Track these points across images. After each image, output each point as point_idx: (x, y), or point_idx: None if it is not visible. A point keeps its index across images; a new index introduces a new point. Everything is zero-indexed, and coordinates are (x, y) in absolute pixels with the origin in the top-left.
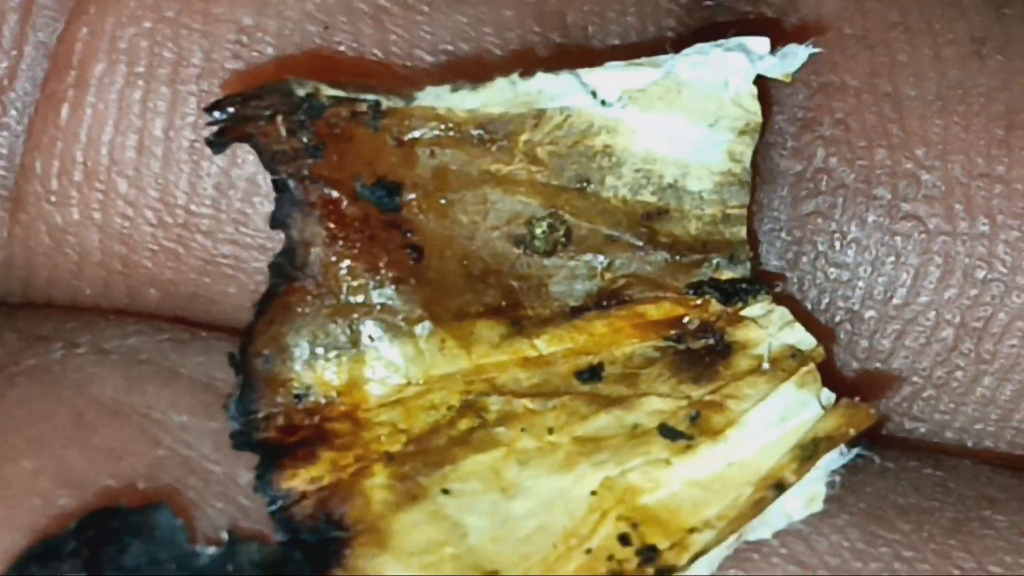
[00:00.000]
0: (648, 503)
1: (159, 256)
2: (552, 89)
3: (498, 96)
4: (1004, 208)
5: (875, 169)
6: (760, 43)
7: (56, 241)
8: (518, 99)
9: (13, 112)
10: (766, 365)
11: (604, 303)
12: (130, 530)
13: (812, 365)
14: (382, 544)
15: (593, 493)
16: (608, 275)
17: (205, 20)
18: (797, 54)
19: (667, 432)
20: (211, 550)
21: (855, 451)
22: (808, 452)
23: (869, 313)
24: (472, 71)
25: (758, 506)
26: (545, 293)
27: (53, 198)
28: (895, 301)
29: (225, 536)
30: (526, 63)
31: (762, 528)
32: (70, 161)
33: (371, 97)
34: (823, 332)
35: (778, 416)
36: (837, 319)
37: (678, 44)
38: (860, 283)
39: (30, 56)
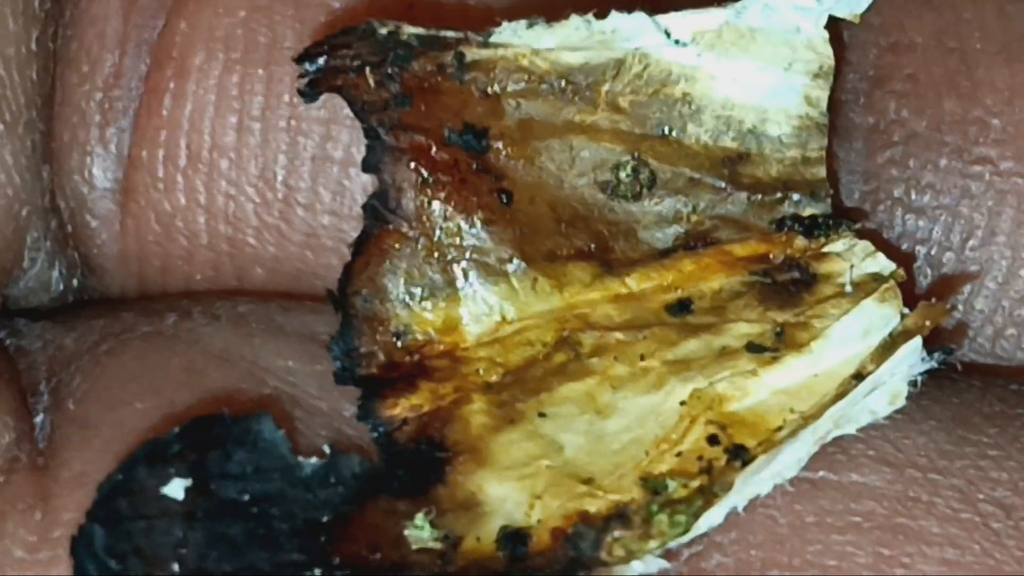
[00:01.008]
0: (736, 409)
1: (263, 233)
2: (626, 29)
3: (573, 35)
4: None
5: (945, 117)
6: None
7: (165, 227)
8: (593, 38)
9: (119, 107)
10: (849, 288)
11: (691, 244)
12: (233, 437)
13: (892, 282)
14: (481, 461)
15: (683, 403)
16: (694, 217)
17: (296, 5)
18: None
19: (754, 348)
20: (313, 460)
21: (937, 355)
22: (887, 345)
23: (947, 256)
24: (548, 10)
25: (840, 396)
26: (634, 237)
27: (161, 185)
28: (972, 243)
29: (327, 449)
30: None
31: (847, 424)
32: (174, 147)
33: (451, 34)
34: (904, 259)
35: (861, 330)
36: (916, 264)
37: None
38: (937, 227)
39: (133, 54)
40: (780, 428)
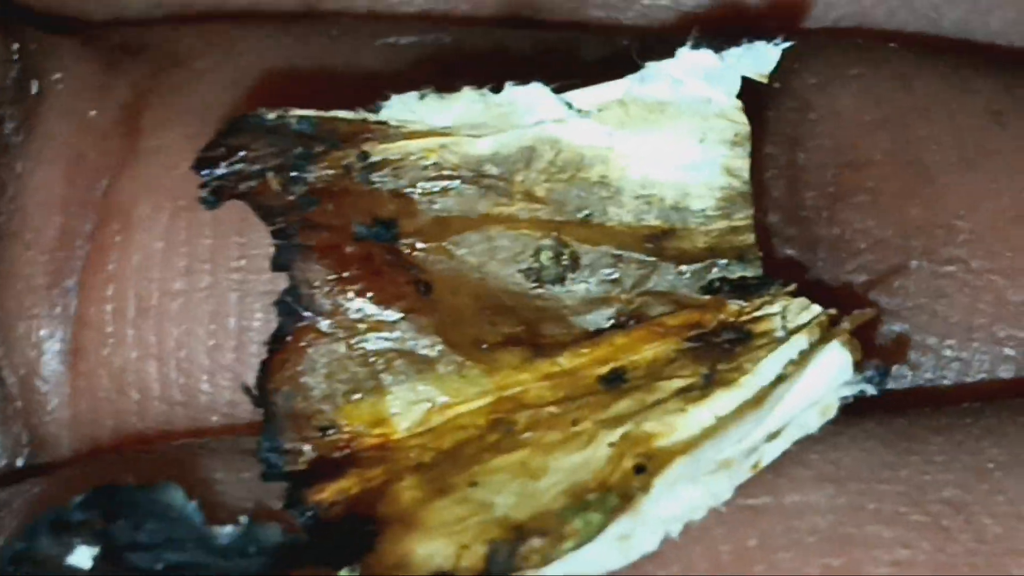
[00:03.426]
0: (664, 444)
1: (216, 376)
2: (524, 101)
3: (470, 109)
4: None
5: (911, 224)
6: (707, 56)
7: (117, 383)
8: (491, 112)
9: (65, 267)
10: (781, 332)
11: (623, 322)
12: (140, 507)
13: (824, 318)
14: (410, 528)
15: (611, 445)
16: (623, 296)
17: None
18: (766, 51)
19: (682, 391)
20: (229, 529)
21: (871, 372)
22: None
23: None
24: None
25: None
26: (564, 322)
27: (111, 340)
28: (949, 342)
29: (243, 519)
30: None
31: (778, 440)
32: (123, 300)
33: (342, 114)
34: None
35: (789, 361)
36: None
37: None
38: (913, 329)
39: (78, 214)
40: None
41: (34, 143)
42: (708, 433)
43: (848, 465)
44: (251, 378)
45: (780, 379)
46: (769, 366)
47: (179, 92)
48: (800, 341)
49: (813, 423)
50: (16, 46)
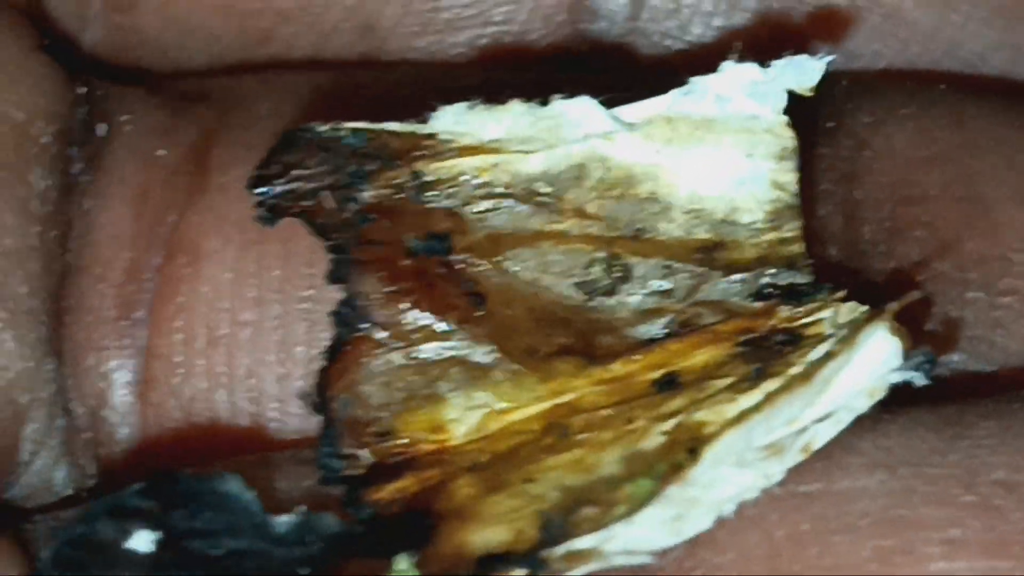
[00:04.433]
0: (714, 431)
1: (286, 405)
2: (572, 115)
3: (519, 122)
4: None
5: (967, 257)
6: (751, 69)
7: (187, 413)
8: (539, 125)
9: (135, 300)
10: (830, 331)
11: (676, 332)
12: (198, 496)
13: (874, 312)
14: (466, 520)
15: (663, 434)
16: (676, 306)
17: None
18: (810, 65)
19: (732, 387)
20: (286, 518)
21: (919, 359)
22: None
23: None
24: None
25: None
26: (618, 333)
27: (181, 371)
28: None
29: (301, 508)
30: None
31: (828, 423)
32: (192, 331)
33: (393, 126)
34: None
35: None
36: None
37: None
38: (971, 360)
39: (147, 249)
40: None
41: (102, 181)
42: (759, 407)
43: (898, 451)
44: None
45: (828, 356)
46: (815, 355)
47: (245, 131)
48: (848, 334)
49: (862, 405)
50: (83, 90)
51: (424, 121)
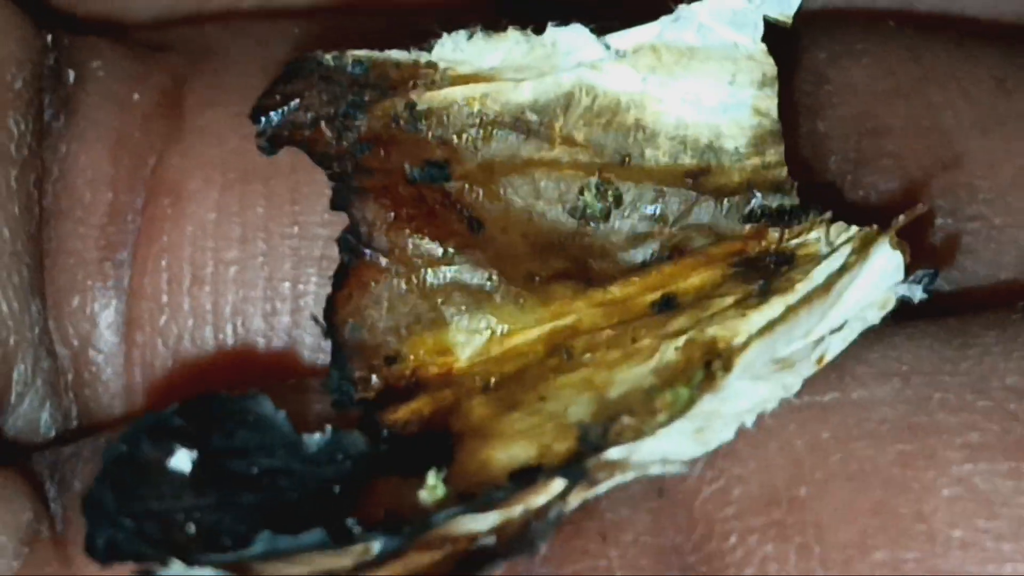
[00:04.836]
0: (729, 345)
1: (272, 341)
2: (565, 42)
3: (515, 50)
4: None
5: (933, 185)
6: None
7: (174, 351)
8: (535, 53)
9: (117, 241)
10: (825, 248)
11: (668, 255)
12: (233, 415)
13: (867, 229)
14: (486, 438)
15: (677, 349)
16: (666, 231)
17: None
18: None
19: (739, 303)
20: (316, 437)
21: (922, 276)
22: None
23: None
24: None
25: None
26: (611, 257)
27: (167, 310)
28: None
29: (329, 428)
30: None
31: (842, 333)
32: (177, 270)
33: (396, 55)
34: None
35: (848, 256)
36: None
37: None
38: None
39: (127, 191)
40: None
41: (78, 126)
42: (783, 318)
43: (909, 361)
44: (308, 340)
45: (842, 270)
46: (821, 272)
47: (216, 76)
48: (846, 250)
49: (873, 317)
50: (49, 36)
51: (428, 48)
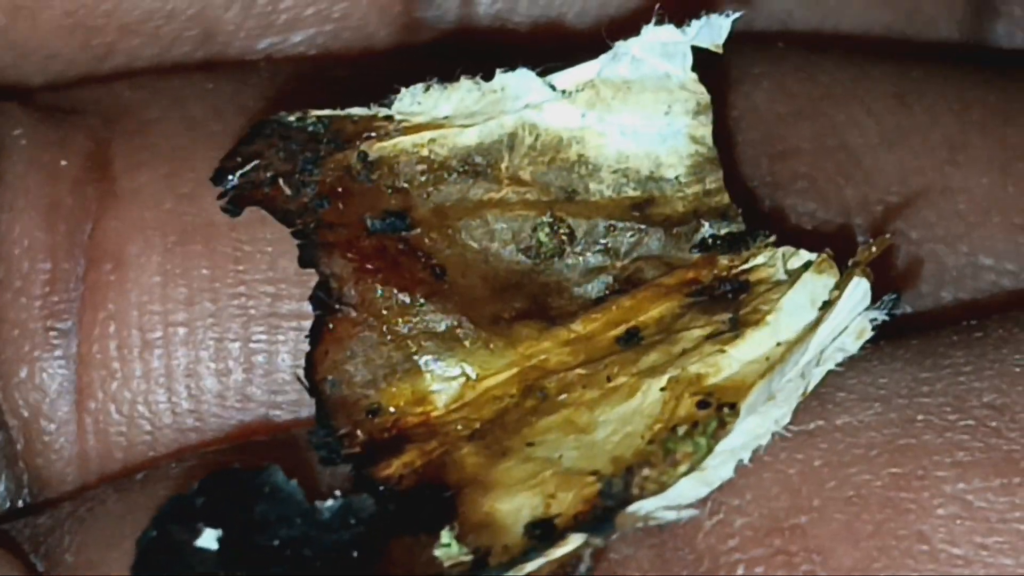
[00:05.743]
0: (716, 382)
1: (225, 400)
2: (514, 86)
3: (467, 98)
4: (968, 213)
5: (849, 203)
6: (670, 31)
7: (128, 417)
8: (485, 99)
9: (61, 309)
10: (783, 276)
11: (622, 289)
12: (249, 489)
13: (824, 256)
14: (486, 489)
15: (662, 390)
16: (619, 264)
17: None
18: (720, 24)
19: (712, 337)
20: (329, 503)
21: (886, 300)
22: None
23: None
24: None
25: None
26: (567, 293)
27: (118, 375)
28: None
29: (338, 493)
30: None
31: (824, 364)
32: (126, 335)
33: (357, 111)
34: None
35: (808, 300)
36: None
37: None
38: None
39: (66, 258)
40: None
41: (7, 196)
42: (783, 357)
43: (886, 384)
44: (261, 395)
45: (826, 305)
46: (792, 301)
47: (141, 136)
48: (809, 278)
49: (851, 346)
50: None
51: (387, 104)
